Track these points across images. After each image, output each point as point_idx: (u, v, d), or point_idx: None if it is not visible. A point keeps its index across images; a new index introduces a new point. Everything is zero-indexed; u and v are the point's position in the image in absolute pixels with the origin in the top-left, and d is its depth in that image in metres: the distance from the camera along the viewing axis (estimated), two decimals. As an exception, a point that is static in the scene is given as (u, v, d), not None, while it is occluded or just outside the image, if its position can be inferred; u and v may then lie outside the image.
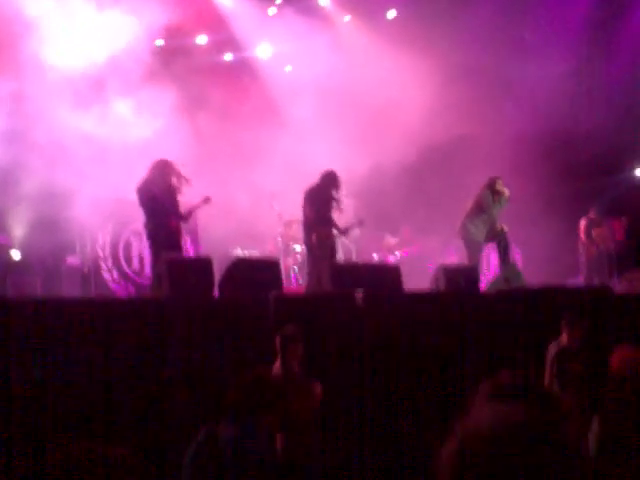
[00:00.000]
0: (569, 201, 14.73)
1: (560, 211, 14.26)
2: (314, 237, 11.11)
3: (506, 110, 14.67)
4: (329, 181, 11.24)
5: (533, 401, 2.38)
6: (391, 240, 15.04)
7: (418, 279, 11.20)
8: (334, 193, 11.25)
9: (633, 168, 16.19)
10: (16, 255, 12.30)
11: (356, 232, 12.79)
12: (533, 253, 14.45)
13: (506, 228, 11.92)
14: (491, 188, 11.92)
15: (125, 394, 7.71)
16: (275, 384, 4.74)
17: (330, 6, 15.84)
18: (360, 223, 11.82)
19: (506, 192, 11.94)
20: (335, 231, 11.42)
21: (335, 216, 11.38)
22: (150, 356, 7.92)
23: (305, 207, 11.27)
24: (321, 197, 11.21)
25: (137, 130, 12.80)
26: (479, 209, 11.88)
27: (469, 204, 12.02)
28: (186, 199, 10.69)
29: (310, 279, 10.14)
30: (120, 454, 2.52)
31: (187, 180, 10.43)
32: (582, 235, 14.29)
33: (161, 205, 10.24)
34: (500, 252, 11.93)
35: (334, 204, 11.27)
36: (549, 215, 14.05)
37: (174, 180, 10.39)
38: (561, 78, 14.71)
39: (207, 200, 10.74)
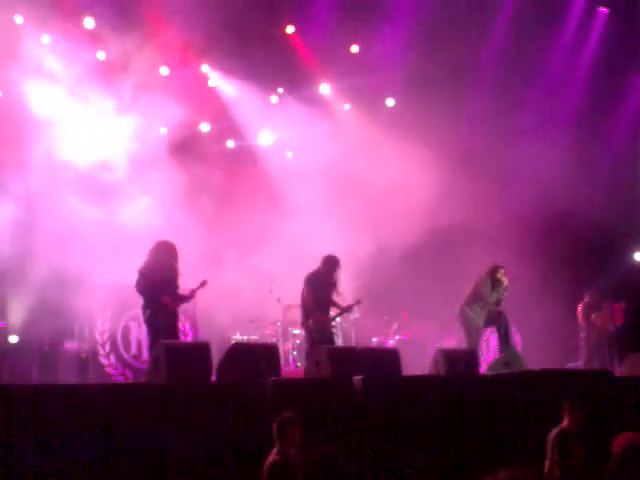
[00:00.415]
0: (569, 284, 14.74)
1: (560, 294, 14.27)
2: (311, 322, 11.16)
3: (505, 194, 14.82)
4: (331, 265, 11.31)
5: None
6: (390, 325, 15.02)
7: (418, 362, 11.16)
8: (335, 277, 11.31)
9: (632, 252, 16.25)
10: (13, 339, 12.32)
11: (355, 315, 12.81)
12: (533, 335, 14.41)
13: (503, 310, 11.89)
14: (492, 276, 11.89)
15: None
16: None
17: (330, 95, 16.15)
18: (357, 303, 11.88)
19: (505, 282, 11.90)
20: (335, 312, 11.52)
21: (335, 298, 11.44)
22: (148, 441, 7.84)
23: (304, 291, 11.32)
24: (322, 282, 11.27)
25: (139, 217, 12.91)
26: (477, 296, 11.86)
27: (468, 288, 12.01)
28: (185, 283, 10.71)
29: (308, 363, 10.12)
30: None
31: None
32: (580, 320, 14.29)
33: (161, 290, 10.24)
34: (500, 335, 11.86)
35: (335, 288, 11.33)
36: (549, 298, 14.06)
37: (176, 263, 10.43)
38: (559, 163, 14.88)
39: (204, 284, 10.74)
